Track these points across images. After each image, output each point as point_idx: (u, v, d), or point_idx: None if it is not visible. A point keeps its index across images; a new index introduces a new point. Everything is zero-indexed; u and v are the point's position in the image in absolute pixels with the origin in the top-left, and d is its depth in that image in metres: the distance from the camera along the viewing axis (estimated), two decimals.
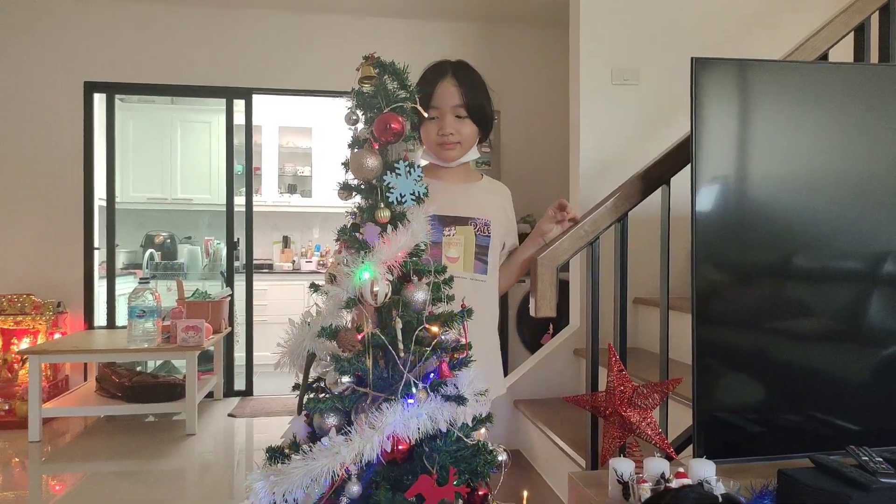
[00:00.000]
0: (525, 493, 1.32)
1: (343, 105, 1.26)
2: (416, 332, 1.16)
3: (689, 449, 1.61)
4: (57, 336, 4.21)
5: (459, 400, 1.15)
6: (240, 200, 4.83)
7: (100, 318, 4.65)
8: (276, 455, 1.17)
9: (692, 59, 1.45)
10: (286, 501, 1.12)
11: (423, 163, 1.59)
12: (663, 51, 3.31)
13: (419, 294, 1.17)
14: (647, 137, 3.27)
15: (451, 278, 1.24)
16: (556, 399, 3.05)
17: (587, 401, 1.48)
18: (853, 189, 1.56)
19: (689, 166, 1.54)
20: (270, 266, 6.14)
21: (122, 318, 4.65)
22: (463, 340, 1.24)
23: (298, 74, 4.76)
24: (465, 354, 1.22)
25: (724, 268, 1.54)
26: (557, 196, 1.85)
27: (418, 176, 1.22)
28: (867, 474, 1.24)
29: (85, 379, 4.44)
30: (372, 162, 1.20)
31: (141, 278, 4.12)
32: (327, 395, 1.19)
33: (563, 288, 3.51)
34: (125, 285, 4.86)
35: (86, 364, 4.44)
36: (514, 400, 3.12)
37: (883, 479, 1.22)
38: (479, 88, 1.54)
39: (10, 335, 4.12)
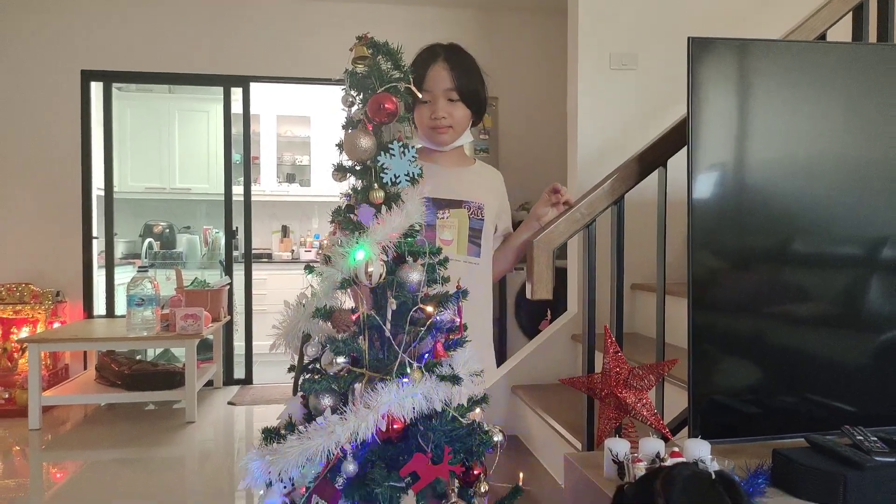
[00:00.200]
0: (521, 475, 1.32)
1: (341, 92, 1.25)
2: (411, 312, 1.16)
3: (685, 432, 1.61)
4: (56, 325, 4.22)
5: (454, 380, 1.15)
6: (238, 190, 4.82)
7: (99, 307, 4.66)
8: (271, 435, 1.17)
9: (689, 38, 1.44)
10: (282, 481, 1.13)
11: (418, 145, 1.58)
12: (662, 35, 3.29)
13: (414, 275, 1.17)
14: (645, 123, 3.25)
15: (446, 259, 1.24)
16: (554, 384, 3.05)
17: (583, 382, 1.48)
18: (851, 172, 1.55)
19: (685, 148, 1.53)
20: (270, 256, 6.14)
21: (121, 307, 4.65)
22: (458, 321, 1.24)
23: (296, 62, 4.74)
24: (460, 335, 1.22)
25: (720, 251, 1.53)
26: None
27: (412, 157, 1.22)
28: (862, 453, 1.24)
29: (85, 368, 4.45)
30: (366, 142, 1.20)
31: (139, 267, 4.12)
32: (322, 376, 1.19)
33: (560, 275, 3.52)
34: (124, 275, 4.86)
35: (85, 353, 4.45)
36: (511, 386, 3.12)
37: (878, 458, 1.22)
38: (471, 72, 1.53)
39: (10, 324, 4.12)
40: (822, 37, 1.96)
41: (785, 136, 1.53)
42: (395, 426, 1.10)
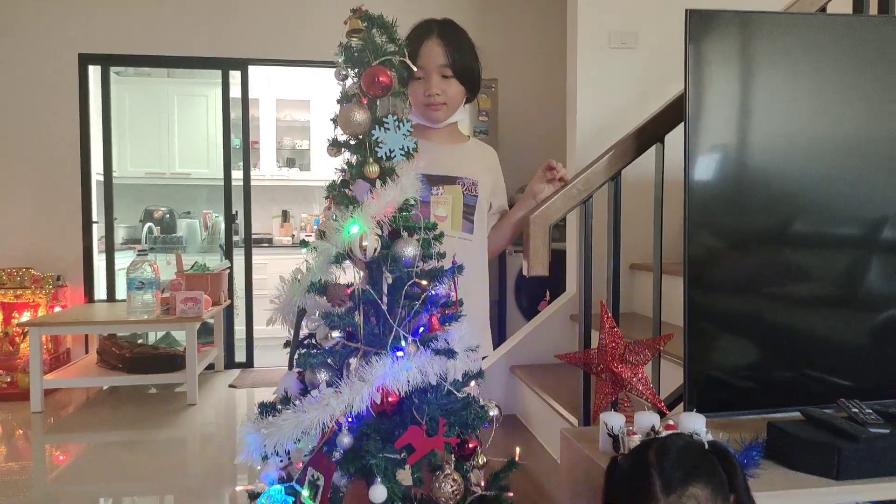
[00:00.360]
0: (517, 449, 1.33)
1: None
2: (406, 286, 1.16)
3: (681, 407, 1.62)
4: (57, 309, 4.23)
5: (449, 354, 1.15)
6: (238, 174, 4.81)
7: (100, 292, 4.66)
8: (267, 409, 1.17)
9: (686, 10, 1.43)
10: (278, 454, 1.14)
11: (413, 120, 1.57)
12: (662, 13, 3.26)
13: (409, 249, 1.17)
14: (644, 101, 3.22)
15: (441, 234, 1.24)
16: (553, 364, 3.06)
17: (579, 358, 1.49)
18: (851, 150, 1.54)
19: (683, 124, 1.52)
20: (270, 240, 6.13)
21: (121, 292, 4.66)
22: (453, 296, 1.24)
23: (295, 45, 4.70)
24: (455, 310, 1.22)
25: (716, 229, 1.53)
26: None
27: (407, 130, 1.21)
28: (857, 425, 1.25)
29: (86, 352, 4.47)
30: (360, 116, 1.19)
31: (139, 251, 4.12)
32: (318, 351, 1.19)
33: (559, 256, 3.51)
34: (125, 260, 4.86)
35: (87, 337, 4.46)
36: (510, 365, 3.13)
37: (873, 430, 1.22)
38: (465, 48, 1.51)
39: (11, 309, 4.14)
40: (823, 10, 1.94)
41: (784, 112, 1.51)
42: (389, 399, 1.10)
